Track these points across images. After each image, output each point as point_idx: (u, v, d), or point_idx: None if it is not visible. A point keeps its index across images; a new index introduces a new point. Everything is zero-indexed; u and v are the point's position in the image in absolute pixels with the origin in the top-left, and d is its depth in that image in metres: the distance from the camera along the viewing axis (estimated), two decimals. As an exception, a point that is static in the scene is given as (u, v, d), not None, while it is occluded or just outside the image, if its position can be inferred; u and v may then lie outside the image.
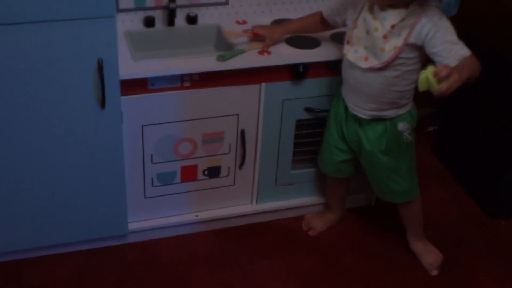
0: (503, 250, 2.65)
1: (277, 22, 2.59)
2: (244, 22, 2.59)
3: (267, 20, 2.61)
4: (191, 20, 2.54)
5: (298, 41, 2.47)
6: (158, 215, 2.55)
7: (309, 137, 2.58)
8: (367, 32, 2.15)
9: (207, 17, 2.59)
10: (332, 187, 2.65)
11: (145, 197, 2.49)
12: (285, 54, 2.38)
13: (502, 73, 2.66)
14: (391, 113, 2.25)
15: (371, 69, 2.15)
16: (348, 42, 2.22)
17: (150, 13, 2.51)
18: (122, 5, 2.46)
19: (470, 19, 2.83)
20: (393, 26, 2.09)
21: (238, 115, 2.43)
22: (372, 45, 2.14)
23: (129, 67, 2.21)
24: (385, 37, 2.10)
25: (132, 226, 2.51)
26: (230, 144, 2.49)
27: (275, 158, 2.57)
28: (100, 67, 2.08)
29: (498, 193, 2.77)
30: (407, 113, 2.28)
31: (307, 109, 2.48)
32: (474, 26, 2.85)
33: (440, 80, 1.89)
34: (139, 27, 2.50)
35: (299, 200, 2.72)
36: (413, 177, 2.42)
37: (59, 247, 2.47)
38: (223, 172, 2.55)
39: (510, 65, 2.64)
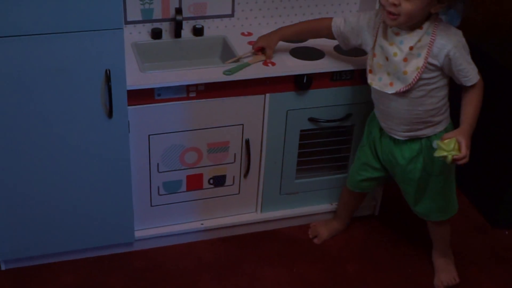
0: (507, 260, 2.66)
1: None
2: (250, 34, 2.64)
3: (272, 32, 2.66)
4: (198, 32, 2.59)
5: (302, 52, 2.51)
6: (164, 223, 2.59)
7: (313, 146, 2.61)
8: (386, 58, 2.16)
9: (213, 29, 2.64)
10: (345, 198, 2.66)
11: (151, 206, 2.53)
12: (290, 65, 2.42)
13: (507, 84, 2.68)
14: (427, 131, 2.26)
15: (397, 94, 2.17)
16: (370, 71, 2.24)
17: (157, 25, 2.56)
18: (130, 17, 2.52)
19: (472, 29, 2.86)
20: (411, 48, 2.11)
21: (243, 125, 2.46)
22: (394, 70, 2.15)
23: (136, 77, 2.26)
24: (405, 60, 2.12)
25: (138, 234, 2.55)
26: (235, 154, 2.52)
27: (280, 168, 2.61)
28: (108, 78, 2.12)
29: (502, 203, 2.79)
30: (444, 130, 2.27)
31: (311, 119, 2.52)
32: (476, 36, 2.88)
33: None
34: (146, 39, 2.55)
35: (304, 209, 2.74)
36: (451, 195, 2.41)
37: (67, 254, 2.51)
38: (228, 181, 2.58)
39: (512, 75, 2.66)
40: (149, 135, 2.36)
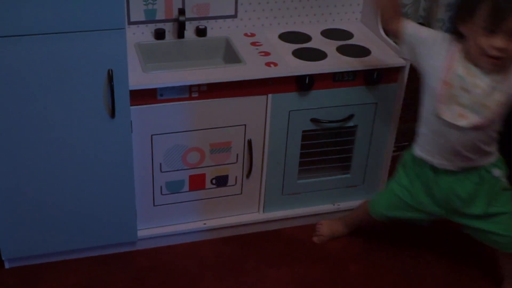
0: None
1: (285, 35, 2.65)
2: (253, 35, 2.65)
3: (274, 33, 2.67)
4: (201, 32, 2.60)
5: (305, 53, 2.52)
6: (167, 223, 2.61)
7: (315, 147, 2.62)
8: (464, 89, 2.08)
9: (216, 29, 2.66)
10: (362, 216, 2.63)
11: (154, 205, 2.54)
12: (292, 66, 2.43)
13: None
14: (481, 160, 2.21)
15: (471, 128, 2.11)
16: (440, 101, 2.13)
17: (160, 25, 2.58)
18: (133, 18, 2.53)
19: None
20: (494, 81, 2.05)
21: (245, 125, 2.48)
22: (472, 102, 2.07)
23: (139, 77, 2.28)
24: (487, 92, 2.06)
25: (141, 233, 2.56)
26: (237, 154, 2.54)
27: (282, 168, 2.62)
28: (110, 78, 2.14)
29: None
30: (499, 159, 2.26)
31: (313, 120, 2.53)
32: None
33: None
34: (149, 39, 2.57)
35: (306, 209, 2.75)
36: None
37: (70, 253, 2.53)
38: (231, 181, 2.60)
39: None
40: (151, 135, 2.38)
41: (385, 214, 2.51)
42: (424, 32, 2.22)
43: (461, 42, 2.09)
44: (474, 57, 2.05)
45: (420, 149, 2.30)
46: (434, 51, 2.15)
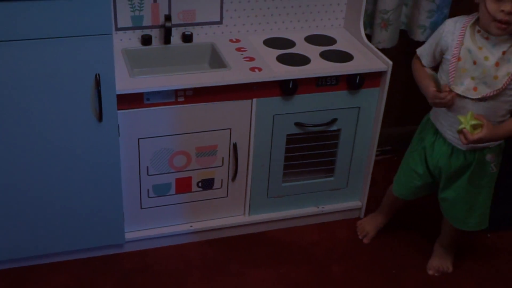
0: (488, 262, 2.72)
1: (269, 41, 2.70)
2: (238, 41, 2.70)
3: (259, 39, 2.72)
4: (187, 38, 2.65)
5: (288, 58, 2.58)
6: (153, 225, 2.64)
7: (299, 151, 2.67)
8: (474, 62, 2.16)
9: (202, 35, 2.70)
10: (391, 198, 2.69)
11: (141, 208, 2.58)
12: (276, 71, 2.48)
13: None
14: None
15: (481, 99, 2.18)
16: (453, 75, 2.20)
17: (147, 31, 2.62)
18: (120, 24, 2.57)
19: None
20: (503, 53, 2.13)
21: (230, 129, 2.52)
22: (482, 75, 2.15)
23: (126, 82, 2.32)
24: (497, 64, 2.13)
25: (128, 235, 2.60)
26: (223, 157, 2.58)
27: (267, 171, 2.66)
28: (98, 82, 2.18)
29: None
30: (498, 145, 2.32)
31: (297, 124, 2.58)
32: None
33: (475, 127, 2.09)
34: (136, 45, 2.61)
35: (290, 212, 2.80)
36: (487, 209, 2.47)
37: (58, 256, 2.55)
38: (216, 184, 2.64)
39: None
40: (138, 139, 2.41)
41: (406, 187, 2.55)
42: (432, 41, 2.30)
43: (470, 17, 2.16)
44: (484, 25, 2.12)
45: (434, 119, 2.37)
46: (449, 35, 2.22)
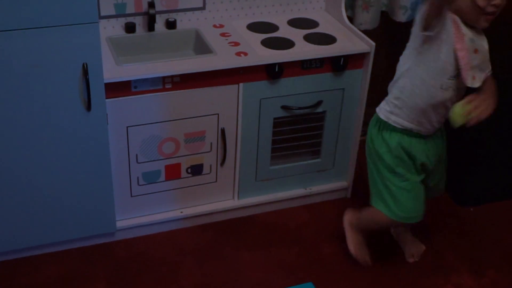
0: (472, 236, 2.78)
1: (253, 25, 2.71)
2: (221, 26, 2.71)
3: (242, 24, 2.73)
4: (170, 25, 2.65)
5: (273, 42, 2.59)
6: (144, 213, 2.65)
7: (286, 133, 2.70)
8: (475, 51, 2.12)
9: (185, 22, 2.71)
10: (399, 230, 2.69)
11: (131, 196, 2.59)
12: (261, 55, 2.50)
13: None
14: None
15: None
16: (466, 69, 2.12)
17: (130, 19, 2.62)
18: (103, 12, 2.56)
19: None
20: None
21: (218, 114, 2.53)
22: (481, 61, 2.15)
23: (113, 71, 2.32)
24: (488, 49, 2.15)
25: (120, 224, 2.61)
26: (211, 143, 2.60)
27: (255, 155, 2.69)
28: (85, 71, 2.18)
29: (467, 181, 2.91)
30: None
31: (284, 107, 2.60)
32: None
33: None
34: (120, 33, 2.61)
35: (279, 194, 2.83)
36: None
37: (50, 246, 2.55)
38: (206, 169, 2.65)
39: None
40: (127, 127, 2.42)
41: (420, 205, 2.40)
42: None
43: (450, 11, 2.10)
44: (471, 19, 2.10)
45: (407, 120, 2.27)
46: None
